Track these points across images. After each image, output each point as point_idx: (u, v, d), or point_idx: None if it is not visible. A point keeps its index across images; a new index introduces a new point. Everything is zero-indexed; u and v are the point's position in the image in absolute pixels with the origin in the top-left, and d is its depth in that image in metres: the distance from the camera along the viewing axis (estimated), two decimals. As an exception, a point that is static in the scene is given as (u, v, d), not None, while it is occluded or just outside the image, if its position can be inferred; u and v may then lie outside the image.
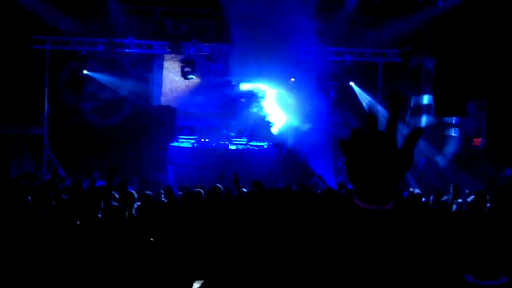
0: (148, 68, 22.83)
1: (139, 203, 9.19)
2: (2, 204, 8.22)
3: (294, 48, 18.74)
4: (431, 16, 20.48)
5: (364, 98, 22.22)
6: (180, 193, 11.75)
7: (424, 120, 21.30)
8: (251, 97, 22.24)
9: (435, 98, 20.85)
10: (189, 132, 21.33)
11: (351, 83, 22.29)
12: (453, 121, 21.24)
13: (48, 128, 21.13)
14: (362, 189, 2.25)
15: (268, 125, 21.24)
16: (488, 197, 9.80)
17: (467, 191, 13.84)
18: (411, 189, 13.67)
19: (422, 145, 20.54)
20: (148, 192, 10.31)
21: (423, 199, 11.84)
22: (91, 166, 19.15)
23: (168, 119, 22.24)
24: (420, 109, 21.73)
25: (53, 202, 9.00)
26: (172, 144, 20.62)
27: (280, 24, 18.62)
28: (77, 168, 19.82)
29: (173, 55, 21.44)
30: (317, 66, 19.65)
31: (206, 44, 21.08)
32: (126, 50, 21.18)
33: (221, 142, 20.69)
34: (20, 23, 20.10)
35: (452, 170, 19.91)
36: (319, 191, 12.29)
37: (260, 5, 18.81)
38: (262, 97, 21.76)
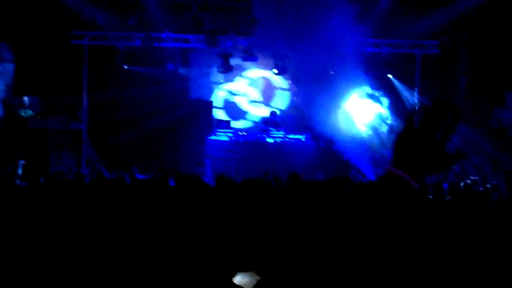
0: (186, 62, 22.91)
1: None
2: (40, 199, 8.31)
3: (329, 39, 18.66)
4: (469, 6, 20.30)
5: (403, 91, 22.11)
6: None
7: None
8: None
9: (473, 89, 20.74)
10: (227, 125, 21.38)
11: (389, 76, 22.17)
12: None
13: (87, 123, 21.33)
14: (403, 159, 2.28)
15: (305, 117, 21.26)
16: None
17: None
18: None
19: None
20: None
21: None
22: (130, 160, 19.31)
23: (206, 113, 22.34)
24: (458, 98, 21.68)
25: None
26: (210, 137, 20.65)
27: (315, 16, 18.54)
28: (116, 163, 19.98)
29: (210, 48, 21.45)
30: (354, 58, 19.59)
31: (243, 37, 21.09)
32: (163, 44, 21.30)
33: (259, 135, 20.69)
34: (59, 19, 20.31)
35: (489, 162, 19.73)
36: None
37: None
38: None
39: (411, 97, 21.91)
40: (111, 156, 20.72)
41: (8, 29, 19.93)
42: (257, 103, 23.47)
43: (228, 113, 23.27)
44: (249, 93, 23.46)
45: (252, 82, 23.47)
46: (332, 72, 19.89)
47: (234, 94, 23.48)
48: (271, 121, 21.65)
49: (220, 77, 22.99)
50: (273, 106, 23.05)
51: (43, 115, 20.63)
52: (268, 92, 23.47)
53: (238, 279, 6.93)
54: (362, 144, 19.48)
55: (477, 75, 20.85)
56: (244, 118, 23.21)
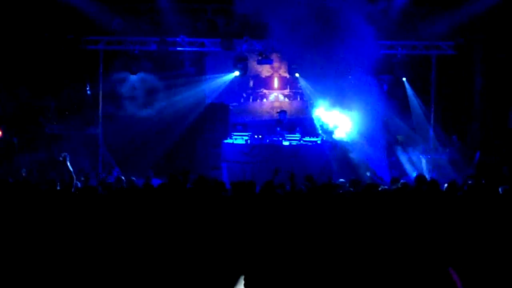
0: (201, 65, 22.91)
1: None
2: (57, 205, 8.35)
3: (345, 42, 18.65)
4: (484, 6, 20.22)
5: (413, 97, 22.12)
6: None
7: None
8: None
9: (489, 90, 20.70)
10: (243, 128, 21.34)
11: (404, 79, 22.10)
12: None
13: (103, 128, 21.38)
14: None
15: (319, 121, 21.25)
16: None
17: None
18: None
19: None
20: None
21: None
22: (146, 165, 19.39)
23: (222, 116, 22.34)
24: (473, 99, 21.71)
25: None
26: (226, 141, 20.63)
27: (330, 19, 18.53)
28: (132, 167, 20.04)
29: (226, 52, 21.46)
30: (370, 61, 19.56)
31: (258, 40, 21.12)
32: (178, 49, 21.34)
33: (275, 138, 20.63)
34: (74, 25, 20.41)
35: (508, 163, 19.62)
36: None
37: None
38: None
39: (418, 105, 21.93)
40: (128, 160, 20.80)
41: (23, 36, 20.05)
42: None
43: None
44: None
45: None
46: (350, 76, 19.87)
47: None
48: (283, 122, 21.62)
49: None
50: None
51: (59, 120, 20.77)
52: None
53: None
54: (377, 146, 19.42)
55: (493, 76, 20.78)
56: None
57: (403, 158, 20.89)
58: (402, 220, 7.94)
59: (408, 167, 20.61)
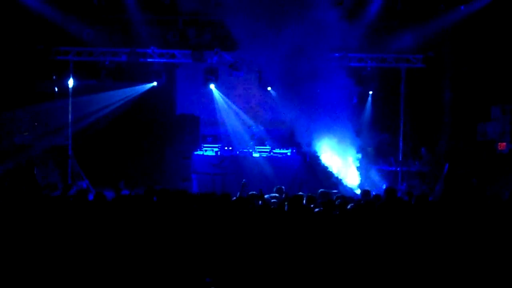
0: (172, 77, 22.87)
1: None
2: (30, 213, 8.30)
3: (314, 54, 18.69)
4: (453, 21, 20.42)
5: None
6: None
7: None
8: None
9: (458, 103, 20.86)
10: (213, 140, 21.36)
11: (370, 93, 22.23)
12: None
13: (72, 139, 21.23)
14: None
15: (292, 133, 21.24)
16: None
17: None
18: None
19: None
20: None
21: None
22: (117, 176, 19.27)
23: (192, 128, 22.30)
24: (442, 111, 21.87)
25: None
26: (196, 152, 20.63)
27: (299, 31, 18.56)
28: (102, 179, 19.90)
29: (196, 63, 21.42)
30: (339, 73, 19.66)
31: (229, 52, 21.11)
32: (149, 60, 21.27)
33: (245, 150, 20.67)
34: (44, 35, 20.27)
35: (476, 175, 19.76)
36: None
37: (279, 10, 18.79)
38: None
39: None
40: (97, 172, 20.66)
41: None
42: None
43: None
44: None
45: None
46: (318, 90, 19.89)
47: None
48: (255, 136, 21.65)
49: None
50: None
51: (29, 131, 20.58)
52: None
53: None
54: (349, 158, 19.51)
55: (461, 89, 20.96)
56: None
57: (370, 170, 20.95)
58: (375, 232, 7.99)
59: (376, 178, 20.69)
